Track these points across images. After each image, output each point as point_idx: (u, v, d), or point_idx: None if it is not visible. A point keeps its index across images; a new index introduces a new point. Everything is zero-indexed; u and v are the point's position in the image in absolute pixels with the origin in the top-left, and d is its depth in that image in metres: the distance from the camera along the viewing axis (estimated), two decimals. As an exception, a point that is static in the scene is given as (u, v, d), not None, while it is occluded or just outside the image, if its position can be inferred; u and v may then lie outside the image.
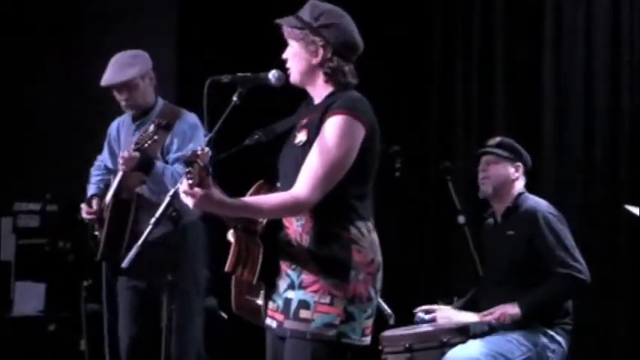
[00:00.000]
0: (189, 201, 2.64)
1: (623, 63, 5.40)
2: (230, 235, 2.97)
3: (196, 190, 2.60)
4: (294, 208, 2.77)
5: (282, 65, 2.96)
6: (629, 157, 5.36)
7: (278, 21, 2.93)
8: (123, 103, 4.38)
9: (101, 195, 4.47)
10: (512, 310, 3.92)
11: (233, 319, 3.16)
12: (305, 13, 2.91)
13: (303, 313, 2.77)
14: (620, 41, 5.42)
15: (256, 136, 2.94)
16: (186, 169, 2.59)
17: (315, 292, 2.77)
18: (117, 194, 4.31)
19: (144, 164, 4.13)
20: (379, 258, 2.86)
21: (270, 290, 2.89)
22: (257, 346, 3.21)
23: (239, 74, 2.92)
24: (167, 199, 2.90)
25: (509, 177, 4.13)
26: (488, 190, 4.15)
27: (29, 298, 5.95)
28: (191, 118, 4.34)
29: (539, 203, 4.08)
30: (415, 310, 4.19)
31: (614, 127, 5.43)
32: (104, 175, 4.58)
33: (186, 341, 4.26)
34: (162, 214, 2.92)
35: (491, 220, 4.29)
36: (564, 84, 5.57)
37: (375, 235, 2.86)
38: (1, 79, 6.27)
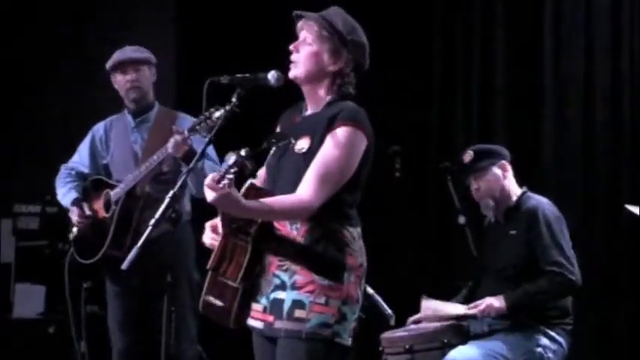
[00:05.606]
0: (209, 195, 2.62)
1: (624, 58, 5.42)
2: (205, 238, 2.95)
3: (220, 186, 2.59)
4: (301, 210, 2.77)
5: (281, 65, 2.93)
6: (630, 157, 5.36)
7: (304, 13, 2.90)
8: (128, 85, 4.36)
9: (83, 199, 4.40)
10: (497, 303, 3.92)
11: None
12: (336, 20, 2.89)
13: (298, 313, 2.77)
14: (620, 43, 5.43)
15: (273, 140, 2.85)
16: (232, 168, 2.57)
17: (310, 292, 2.78)
18: (130, 191, 4.24)
19: (190, 154, 4.00)
20: (365, 263, 2.89)
21: (253, 291, 2.87)
22: (249, 347, 3.20)
23: (238, 75, 2.90)
24: (166, 200, 2.89)
25: (500, 180, 4.15)
26: (489, 203, 4.17)
27: (29, 300, 5.94)
28: (188, 118, 4.31)
29: (541, 202, 4.08)
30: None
31: (615, 127, 5.43)
32: (78, 182, 4.50)
33: (184, 342, 4.24)
34: (161, 215, 2.91)
35: (493, 220, 4.29)
36: (564, 87, 5.57)
37: (362, 242, 2.89)
38: (0, 81, 6.26)
